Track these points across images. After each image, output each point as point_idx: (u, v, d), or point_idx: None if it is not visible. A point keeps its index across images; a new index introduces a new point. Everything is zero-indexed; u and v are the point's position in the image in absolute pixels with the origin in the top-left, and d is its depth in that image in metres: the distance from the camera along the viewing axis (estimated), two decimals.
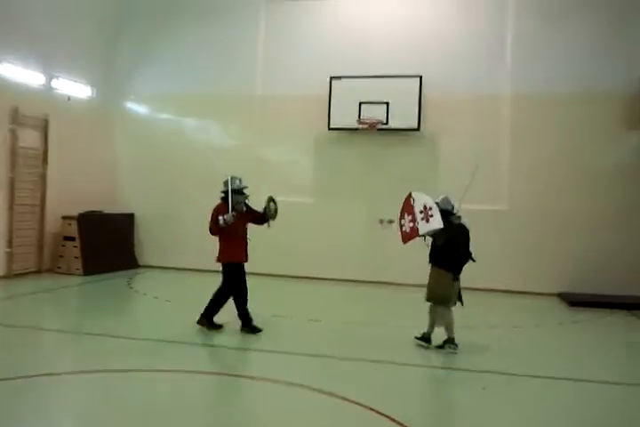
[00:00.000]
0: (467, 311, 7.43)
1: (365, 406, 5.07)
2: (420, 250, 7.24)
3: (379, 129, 12.15)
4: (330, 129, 12.45)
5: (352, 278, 12.29)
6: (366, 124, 12.16)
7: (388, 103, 12.10)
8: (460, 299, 7.12)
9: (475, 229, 7.31)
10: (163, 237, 13.42)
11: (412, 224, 6.95)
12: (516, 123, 11.91)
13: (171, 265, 13.19)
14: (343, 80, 12.38)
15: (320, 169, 12.87)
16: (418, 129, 12.09)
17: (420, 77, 12.05)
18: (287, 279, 12.27)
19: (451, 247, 6.94)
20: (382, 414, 4.89)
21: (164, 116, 13.66)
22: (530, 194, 11.69)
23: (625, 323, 9.51)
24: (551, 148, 11.70)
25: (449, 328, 7.12)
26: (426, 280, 7.23)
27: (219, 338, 7.42)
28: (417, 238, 7.02)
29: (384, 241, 11.78)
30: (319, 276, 12.38)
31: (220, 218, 7.36)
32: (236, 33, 13.12)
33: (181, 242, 13.10)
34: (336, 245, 12.42)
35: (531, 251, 11.59)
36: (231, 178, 7.61)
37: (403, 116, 12.09)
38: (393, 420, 4.79)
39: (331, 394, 5.35)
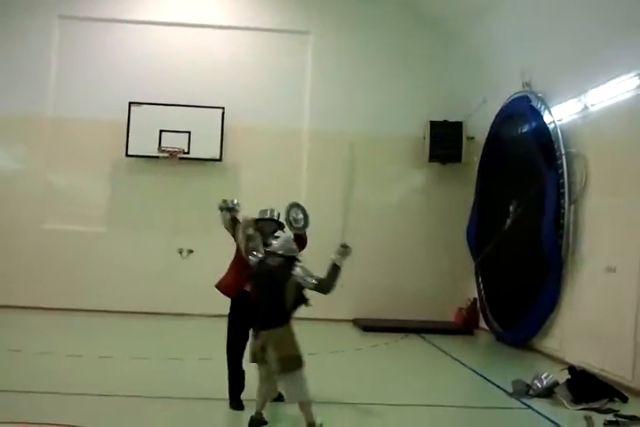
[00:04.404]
0: None
1: None
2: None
3: (180, 158, 11.91)
4: (128, 155, 11.93)
5: (149, 311, 11.49)
6: (167, 152, 11.86)
7: (189, 132, 11.94)
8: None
9: None
10: None
11: None
12: (312, 158, 12.37)
13: None
14: (144, 106, 11.95)
15: (116, 197, 12.22)
16: (220, 159, 12.07)
17: (223, 109, 12.08)
18: (80, 313, 11.26)
19: None
20: None
21: None
22: (326, 227, 12.03)
23: (417, 345, 10.16)
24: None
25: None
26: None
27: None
28: None
29: (184, 271, 11.49)
30: (115, 309, 11.55)
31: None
32: (25, 47, 12.01)
33: None
34: (131, 277, 11.72)
35: None
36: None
37: (205, 147, 11.98)
38: None
39: None
